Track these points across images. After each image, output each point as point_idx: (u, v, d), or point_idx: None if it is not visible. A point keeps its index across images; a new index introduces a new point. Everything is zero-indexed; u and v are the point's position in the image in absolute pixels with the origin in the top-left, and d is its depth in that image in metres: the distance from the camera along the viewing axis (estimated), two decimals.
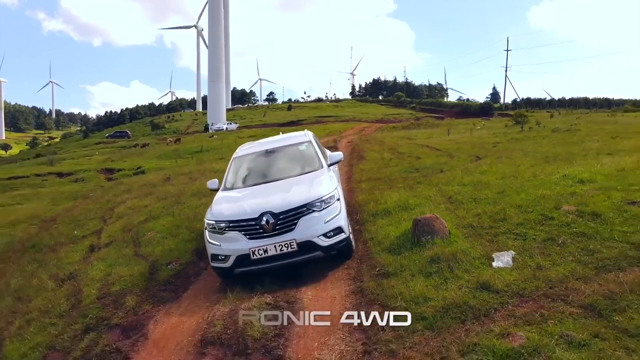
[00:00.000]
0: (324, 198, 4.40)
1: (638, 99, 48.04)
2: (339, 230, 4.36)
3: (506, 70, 68.42)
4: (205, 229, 4.61)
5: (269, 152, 5.75)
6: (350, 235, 4.69)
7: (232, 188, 5.30)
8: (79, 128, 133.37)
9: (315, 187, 4.57)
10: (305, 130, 6.78)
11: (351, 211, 6.19)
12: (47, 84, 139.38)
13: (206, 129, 46.87)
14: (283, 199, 4.41)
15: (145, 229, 7.38)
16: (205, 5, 73.46)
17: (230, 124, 49.09)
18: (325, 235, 4.27)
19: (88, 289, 5.01)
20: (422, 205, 5.83)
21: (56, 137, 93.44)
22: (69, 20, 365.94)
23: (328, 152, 6.27)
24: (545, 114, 29.94)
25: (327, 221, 4.31)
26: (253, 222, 4.27)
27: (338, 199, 4.56)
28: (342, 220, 4.47)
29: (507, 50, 67.72)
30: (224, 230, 4.38)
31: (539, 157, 8.86)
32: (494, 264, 3.77)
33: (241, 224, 4.32)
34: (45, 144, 79.22)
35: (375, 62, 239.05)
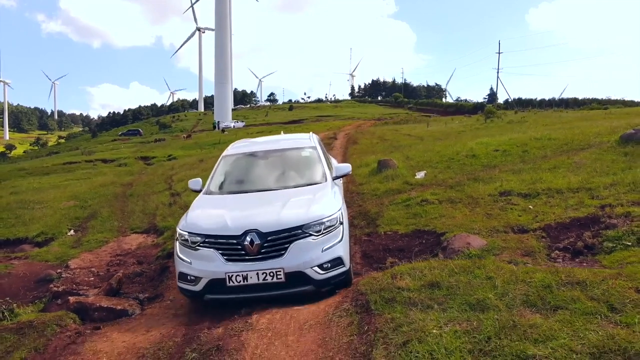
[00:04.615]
0: (324, 220, 3.67)
1: (612, 98, 51.96)
2: (338, 261, 3.65)
3: (498, 72, 72.72)
4: (177, 239, 3.90)
5: (265, 154, 5.02)
6: (351, 267, 3.96)
7: (216, 192, 4.56)
8: (81, 129, 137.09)
9: (316, 206, 3.84)
10: (311, 133, 5.90)
11: None
12: (51, 83, 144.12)
13: (214, 127, 50.30)
14: (275, 215, 3.69)
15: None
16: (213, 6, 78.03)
17: (237, 122, 52.61)
18: (321, 266, 3.57)
19: None
20: None
21: (64, 138, 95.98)
22: (68, 22, 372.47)
23: (334, 161, 5.77)
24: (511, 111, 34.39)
25: (325, 249, 3.60)
26: (234, 241, 3.55)
27: (341, 223, 3.81)
28: (343, 249, 3.73)
29: (499, 53, 72.08)
30: (198, 245, 3.65)
31: (478, 137, 12.52)
32: (416, 176, 7.43)
33: (219, 240, 3.60)
34: (53, 143, 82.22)
35: (375, 63, 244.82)
